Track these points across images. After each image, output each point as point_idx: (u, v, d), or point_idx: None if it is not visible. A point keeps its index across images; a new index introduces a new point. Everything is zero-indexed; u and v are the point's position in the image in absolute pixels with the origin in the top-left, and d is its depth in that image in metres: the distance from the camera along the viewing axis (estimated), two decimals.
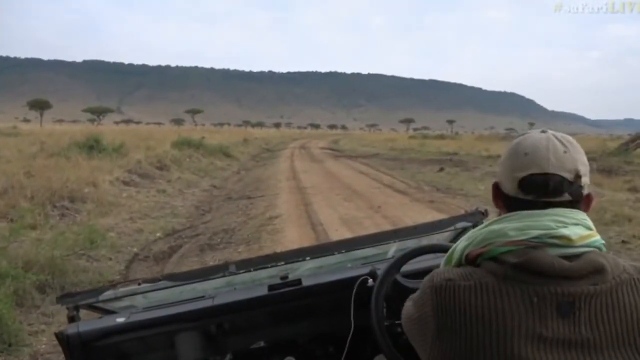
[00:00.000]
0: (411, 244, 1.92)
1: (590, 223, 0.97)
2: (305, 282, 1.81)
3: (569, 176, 0.95)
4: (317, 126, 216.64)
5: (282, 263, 1.92)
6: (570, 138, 1.00)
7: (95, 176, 10.43)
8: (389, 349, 1.45)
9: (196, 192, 12.63)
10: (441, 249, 1.62)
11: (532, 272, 0.90)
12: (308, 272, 2.01)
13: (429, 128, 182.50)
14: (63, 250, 5.59)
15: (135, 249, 6.91)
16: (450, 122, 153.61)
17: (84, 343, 1.64)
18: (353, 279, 1.69)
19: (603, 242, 0.96)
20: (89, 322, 1.76)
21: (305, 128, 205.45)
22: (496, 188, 1.03)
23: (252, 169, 19.79)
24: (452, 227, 2.02)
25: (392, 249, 2.01)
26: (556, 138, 0.98)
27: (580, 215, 0.96)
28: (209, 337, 1.74)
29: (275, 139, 56.38)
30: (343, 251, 2.00)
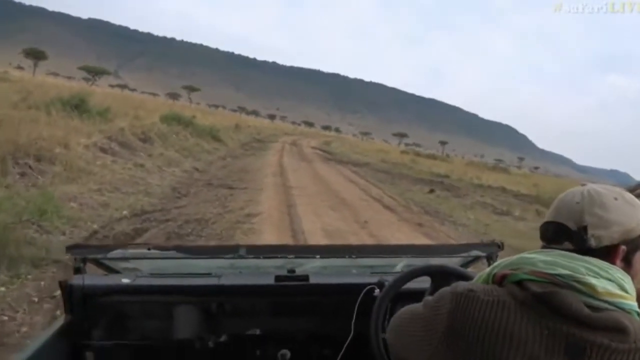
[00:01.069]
0: (420, 262, 1.88)
1: (628, 285, 0.94)
2: (313, 280, 1.81)
3: (572, 225, 0.97)
4: (311, 124, 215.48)
5: (292, 256, 1.92)
6: (609, 196, 0.98)
7: (70, 137, 9.70)
8: (378, 348, 1.42)
9: (176, 172, 11.95)
10: (451, 272, 1.59)
11: (549, 306, 0.90)
12: (314, 269, 2.00)
13: (421, 146, 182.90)
14: (9, 216, 4.91)
15: (95, 226, 6.25)
16: (443, 143, 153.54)
17: (85, 296, 1.66)
18: (360, 286, 1.67)
19: (638, 309, 0.92)
20: (94, 277, 1.77)
21: (299, 124, 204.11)
22: None
23: (239, 157, 19.11)
24: (464, 254, 1.98)
25: (401, 264, 1.98)
26: (588, 191, 0.99)
27: (619, 273, 0.94)
28: (208, 314, 1.74)
29: (268, 130, 55.61)
30: (353, 256, 1.96)
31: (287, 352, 1.77)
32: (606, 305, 0.91)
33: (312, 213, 8.72)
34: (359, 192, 13.21)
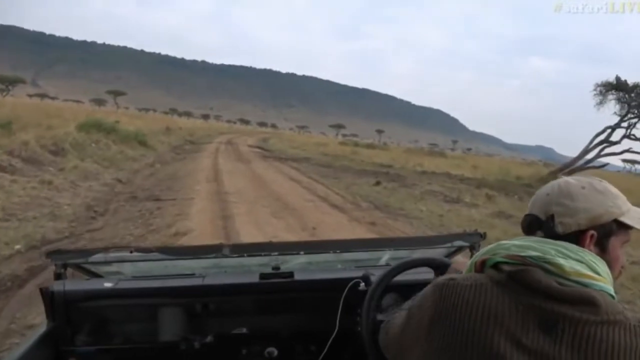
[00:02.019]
0: (404, 254, 1.91)
1: (600, 268, 0.98)
2: (297, 276, 1.82)
3: (542, 216, 1.06)
4: (247, 122, 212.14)
5: (276, 253, 1.92)
6: (576, 185, 1.06)
7: None
8: (376, 356, 1.39)
9: (94, 187, 10.44)
10: (438, 264, 1.57)
11: (521, 284, 0.96)
12: (299, 266, 2.00)
13: (358, 135, 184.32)
14: None
15: None
16: (380, 131, 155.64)
17: (67, 302, 1.65)
18: (345, 281, 1.65)
19: (611, 291, 0.97)
20: (75, 282, 1.76)
21: (234, 123, 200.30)
22: None
23: (169, 162, 17.58)
24: (448, 244, 1.97)
25: (385, 257, 1.98)
26: (559, 184, 1.08)
27: (590, 256, 0.99)
28: (193, 315, 1.73)
29: (202, 131, 53.30)
30: (337, 251, 1.97)
31: (274, 350, 1.74)
32: (575, 285, 0.95)
33: (252, 224, 7.60)
34: (303, 191, 12.18)
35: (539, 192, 1.10)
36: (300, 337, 1.80)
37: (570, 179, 1.09)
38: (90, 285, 1.76)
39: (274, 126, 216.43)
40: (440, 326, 1.00)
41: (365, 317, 1.44)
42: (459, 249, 2.02)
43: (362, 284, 1.64)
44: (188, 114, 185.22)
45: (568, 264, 0.97)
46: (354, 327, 1.51)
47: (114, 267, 1.97)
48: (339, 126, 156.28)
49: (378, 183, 15.32)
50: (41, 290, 1.66)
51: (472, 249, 1.92)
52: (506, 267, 0.99)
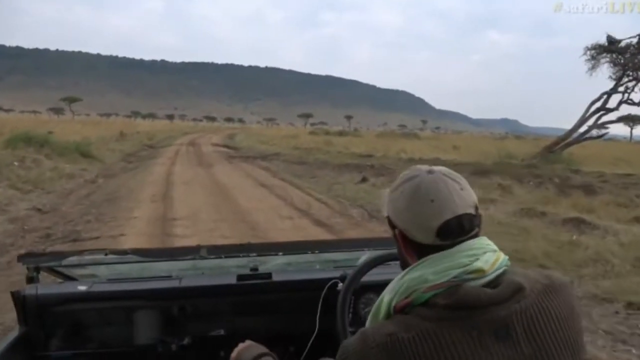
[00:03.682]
0: (383, 253, 1.78)
1: (492, 245, 0.99)
2: (276, 277, 1.79)
3: (473, 211, 0.98)
4: (213, 119, 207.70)
5: (254, 254, 1.91)
6: (454, 172, 1.02)
7: None
8: (344, 330, 1.41)
9: None
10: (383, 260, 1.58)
11: (463, 308, 0.92)
12: (277, 267, 1.97)
13: (327, 123, 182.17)
14: None
15: None
16: (349, 117, 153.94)
17: (40, 306, 1.62)
18: (324, 281, 1.64)
19: (507, 257, 0.99)
20: (48, 286, 1.74)
21: (200, 121, 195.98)
22: (403, 237, 1.01)
23: (116, 174, 14.84)
24: None
25: (364, 257, 1.80)
26: (447, 177, 1.00)
27: (484, 241, 0.99)
28: (169, 318, 1.71)
29: (163, 133, 50.05)
30: (316, 252, 1.97)
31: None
32: (495, 274, 0.95)
33: None
34: (276, 202, 9.72)
35: (441, 192, 0.96)
36: (279, 338, 1.73)
37: (443, 170, 1.02)
38: (63, 288, 1.73)
39: (241, 121, 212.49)
40: None
41: (340, 315, 1.44)
42: None
43: (340, 284, 1.59)
44: (152, 116, 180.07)
45: (483, 263, 0.95)
46: (333, 328, 1.46)
47: (88, 270, 1.93)
48: (307, 115, 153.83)
49: (364, 180, 12.98)
50: (12, 294, 1.62)
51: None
52: (440, 300, 0.93)
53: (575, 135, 20.42)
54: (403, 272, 1.02)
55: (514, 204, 9.44)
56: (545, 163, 16.11)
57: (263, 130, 67.76)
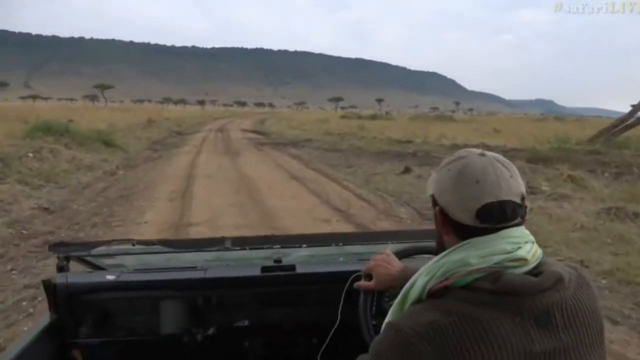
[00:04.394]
0: (421, 245, 1.73)
1: (531, 236, 0.99)
2: (299, 269, 1.79)
3: (518, 200, 0.97)
4: (243, 104, 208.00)
5: (278, 246, 1.91)
6: (506, 159, 1.02)
7: None
8: (369, 334, 1.38)
9: None
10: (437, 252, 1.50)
11: (508, 294, 0.91)
12: (301, 259, 1.96)
13: (357, 107, 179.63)
14: None
15: None
16: (379, 100, 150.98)
17: (70, 294, 1.66)
18: (347, 274, 1.61)
19: (541, 250, 1.00)
20: (78, 275, 1.77)
21: (231, 106, 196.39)
22: (443, 215, 1.01)
23: (139, 165, 13.85)
24: None
25: (388, 250, 1.69)
26: (499, 162, 1.00)
27: (525, 231, 0.99)
28: (194, 308, 1.73)
29: (193, 119, 49.41)
30: (340, 244, 1.96)
31: None
32: (536, 265, 0.96)
33: None
34: (310, 199, 8.44)
35: (487, 176, 0.97)
36: (302, 329, 1.76)
37: (496, 156, 1.02)
38: (92, 277, 1.76)
39: (271, 105, 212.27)
40: None
41: (362, 309, 1.42)
42: None
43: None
44: (183, 102, 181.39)
45: (525, 252, 0.96)
46: (355, 320, 1.43)
47: (116, 260, 1.95)
48: (337, 99, 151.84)
49: (407, 170, 11.58)
50: (44, 282, 1.66)
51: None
52: (484, 285, 0.92)
53: (638, 115, 18.42)
54: (441, 255, 1.00)
55: (592, 200, 7.91)
56: (610, 148, 14.31)
57: (293, 115, 66.33)
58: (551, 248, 5.78)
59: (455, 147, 16.51)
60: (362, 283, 1.44)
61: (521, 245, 0.96)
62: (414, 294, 1.00)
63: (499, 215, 0.95)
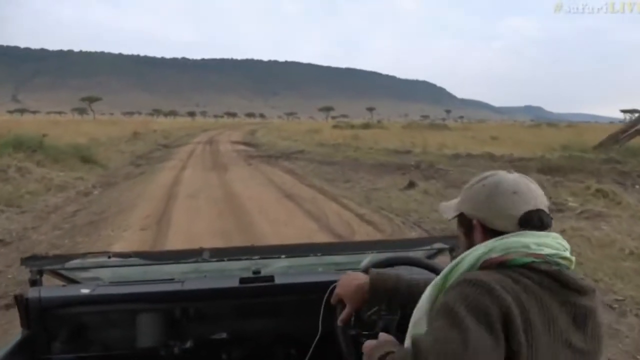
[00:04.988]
0: (386, 256, 1.74)
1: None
2: (278, 280, 1.77)
3: (547, 210, 1.09)
4: (233, 115, 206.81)
5: (257, 257, 1.89)
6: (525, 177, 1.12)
7: None
8: (352, 357, 1.36)
9: None
10: (416, 263, 1.55)
11: (561, 283, 0.98)
12: (280, 270, 1.95)
13: (348, 116, 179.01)
14: None
15: None
16: (371, 109, 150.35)
17: (43, 309, 1.62)
18: (326, 284, 1.57)
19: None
20: (51, 289, 1.73)
21: (221, 117, 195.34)
22: (482, 226, 1.08)
23: (115, 184, 12.70)
24: (428, 246, 1.97)
25: (367, 260, 1.79)
26: (525, 177, 1.12)
27: (561, 239, 1.07)
28: (172, 321, 1.70)
29: (182, 131, 48.21)
30: (318, 254, 1.96)
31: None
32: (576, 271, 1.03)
33: None
34: (307, 224, 7.28)
35: (523, 187, 1.07)
36: (280, 341, 1.74)
37: (520, 175, 1.12)
38: (66, 291, 1.72)
39: (262, 116, 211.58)
40: (529, 334, 0.93)
41: (341, 327, 1.40)
42: (439, 251, 1.97)
43: None
44: (173, 113, 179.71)
45: (571, 256, 1.03)
46: (334, 330, 1.43)
47: (91, 273, 1.93)
48: (328, 108, 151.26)
49: (411, 185, 10.51)
50: (16, 297, 1.62)
51: (452, 250, 1.88)
52: (543, 267, 0.98)
53: None
54: (496, 238, 1.05)
55: (631, 219, 6.88)
56: (626, 156, 13.35)
57: (284, 125, 65.21)
58: (603, 282, 4.75)
59: (458, 157, 15.54)
60: (342, 316, 1.40)
61: (567, 248, 1.04)
62: (469, 260, 1.03)
63: (537, 222, 1.04)
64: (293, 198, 9.39)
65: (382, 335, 1.22)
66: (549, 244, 1.01)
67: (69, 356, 1.64)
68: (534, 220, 1.03)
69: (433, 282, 1.09)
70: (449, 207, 1.18)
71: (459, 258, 1.06)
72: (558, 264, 1.00)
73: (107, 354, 1.66)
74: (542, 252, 0.99)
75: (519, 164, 13.22)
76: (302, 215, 7.83)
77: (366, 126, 49.52)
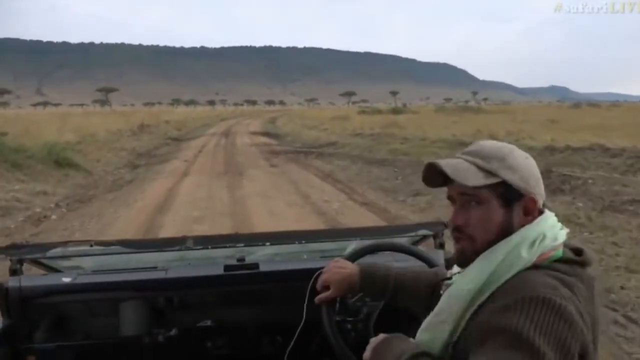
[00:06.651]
0: (371, 242, 1.74)
1: None
2: (263, 267, 1.75)
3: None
4: (253, 102, 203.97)
5: (241, 245, 1.90)
6: None
7: None
8: (338, 344, 1.33)
9: None
10: (399, 248, 1.54)
11: (583, 265, 0.95)
12: (264, 257, 1.94)
13: (368, 101, 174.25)
14: None
15: None
16: (394, 93, 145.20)
17: (23, 298, 1.58)
18: (311, 271, 1.54)
19: None
20: (32, 278, 1.69)
21: (241, 105, 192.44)
22: (534, 203, 0.98)
23: (93, 199, 9.21)
24: (412, 233, 1.93)
25: (351, 247, 1.80)
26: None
27: None
28: (156, 309, 1.67)
29: (198, 120, 44.79)
30: (303, 242, 1.93)
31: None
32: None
33: None
34: None
35: (531, 168, 0.98)
36: (265, 328, 1.72)
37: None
38: (47, 280, 1.67)
39: (281, 103, 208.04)
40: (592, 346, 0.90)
41: (327, 316, 1.37)
42: (423, 238, 1.94)
43: None
44: (193, 102, 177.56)
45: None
46: (320, 318, 1.39)
47: (73, 262, 1.87)
48: (350, 93, 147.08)
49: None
50: None
51: (436, 237, 1.85)
52: (574, 257, 0.96)
53: None
54: (538, 219, 0.96)
55: None
56: None
57: (306, 112, 61.21)
58: None
59: (554, 151, 11.58)
60: (322, 296, 1.35)
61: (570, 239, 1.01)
62: (525, 253, 0.93)
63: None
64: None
65: (384, 335, 1.09)
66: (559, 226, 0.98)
67: (51, 345, 1.58)
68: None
69: (467, 280, 0.95)
70: (469, 170, 0.95)
71: (505, 247, 0.93)
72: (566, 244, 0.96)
73: (90, 343, 1.62)
74: (562, 241, 0.95)
75: (614, 157, 9.38)
76: None
77: (396, 111, 45.44)
